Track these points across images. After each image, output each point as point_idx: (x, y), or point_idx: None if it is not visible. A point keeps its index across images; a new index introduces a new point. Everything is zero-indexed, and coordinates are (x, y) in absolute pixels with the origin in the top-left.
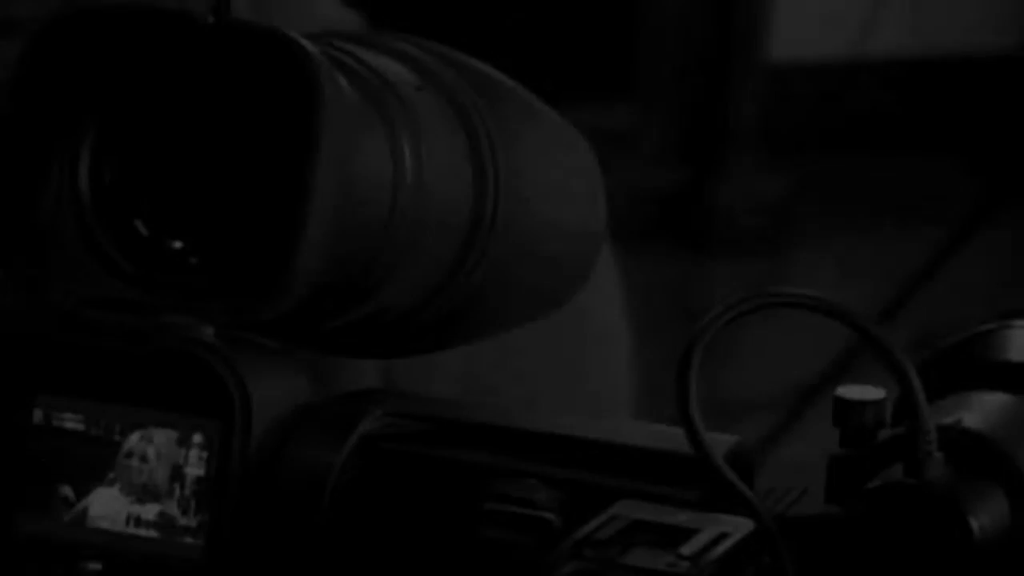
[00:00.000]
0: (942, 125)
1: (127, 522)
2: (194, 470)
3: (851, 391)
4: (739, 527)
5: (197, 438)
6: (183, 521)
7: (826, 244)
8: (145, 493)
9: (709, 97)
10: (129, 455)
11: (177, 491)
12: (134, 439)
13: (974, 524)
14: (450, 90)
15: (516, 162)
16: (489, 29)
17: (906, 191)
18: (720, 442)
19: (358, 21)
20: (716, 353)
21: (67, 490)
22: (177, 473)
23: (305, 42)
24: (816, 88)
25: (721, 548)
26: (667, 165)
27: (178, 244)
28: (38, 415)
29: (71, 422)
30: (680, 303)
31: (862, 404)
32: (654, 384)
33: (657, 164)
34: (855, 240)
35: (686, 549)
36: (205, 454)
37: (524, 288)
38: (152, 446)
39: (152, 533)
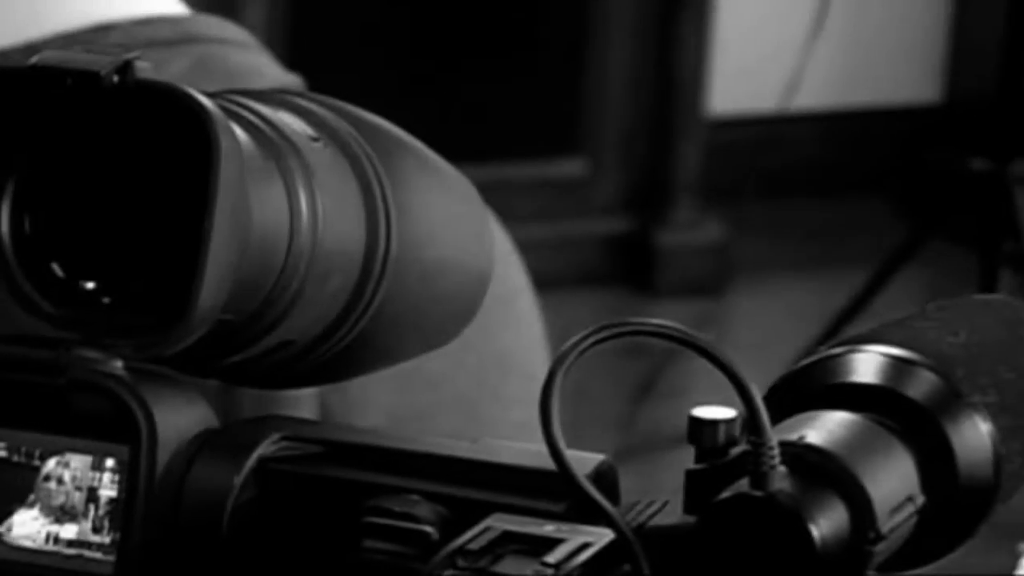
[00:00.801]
0: (868, 170)
1: (46, 540)
2: (107, 492)
3: (705, 411)
4: (601, 537)
5: (109, 462)
6: (97, 539)
7: (764, 284)
8: (63, 514)
9: (653, 150)
10: (48, 479)
11: (92, 511)
12: (52, 464)
13: (815, 532)
14: (344, 142)
15: (406, 207)
16: (452, 93)
17: (838, 233)
18: (586, 460)
19: (300, 82)
20: (674, 388)
21: None
22: (92, 495)
23: (203, 98)
24: (750, 139)
25: (583, 556)
26: (616, 213)
27: (91, 285)
28: None
29: None
30: (629, 341)
31: (714, 423)
32: (606, 413)
33: (607, 213)
34: (791, 280)
35: (551, 557)
36: (117, 477)
37: (416, 323)
38: (68, 470)
39: (69, 551)
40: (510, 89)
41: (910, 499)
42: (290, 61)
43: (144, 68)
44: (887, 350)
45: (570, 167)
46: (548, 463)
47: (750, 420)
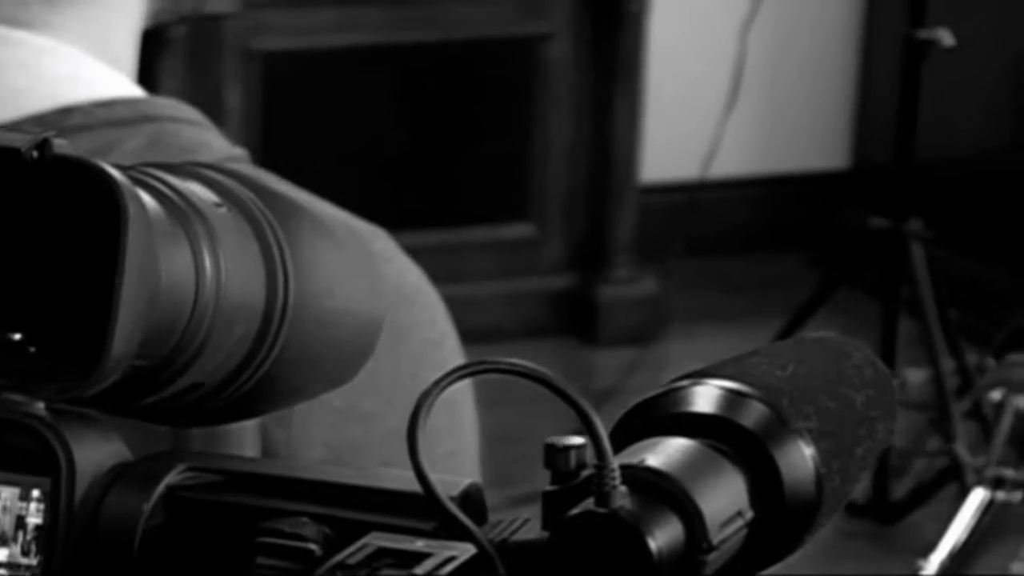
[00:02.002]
0: (784, 230)
1: None
2: (34, 519)
3: (559, 440)
4: (465, 551)
5: (35, 493)
6: (25, 561)
7: (693, 333)
8: None
9: (592, 215)
10: None
11: (20, 537)
12: None
13: (652, 544)
14: (246, 207)
15: (302, 264)
16: (416, 167)
17: (758, 286)
18: (453, 484)
19: (246, 155)
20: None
21: None
22: (20, 522)
23: (112, 170)
24: (677, 204)
25: (448, 568)
26: (560, 272)
27: (18, 337)
28: None
29: None
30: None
31: (566, 449)
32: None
33: (552, 271)
34: (717, 328)
35: (420, 569)
36: (42, 506)
37: (315, 365)
38: (0, 500)
39: (2, 572)
40: (465, 164)
41: (740, 514)
42: (265, 139)
43: (61, 145)
44: (722, 383)
45: (519, 231)
46: (441, 492)
47: (594, 447)
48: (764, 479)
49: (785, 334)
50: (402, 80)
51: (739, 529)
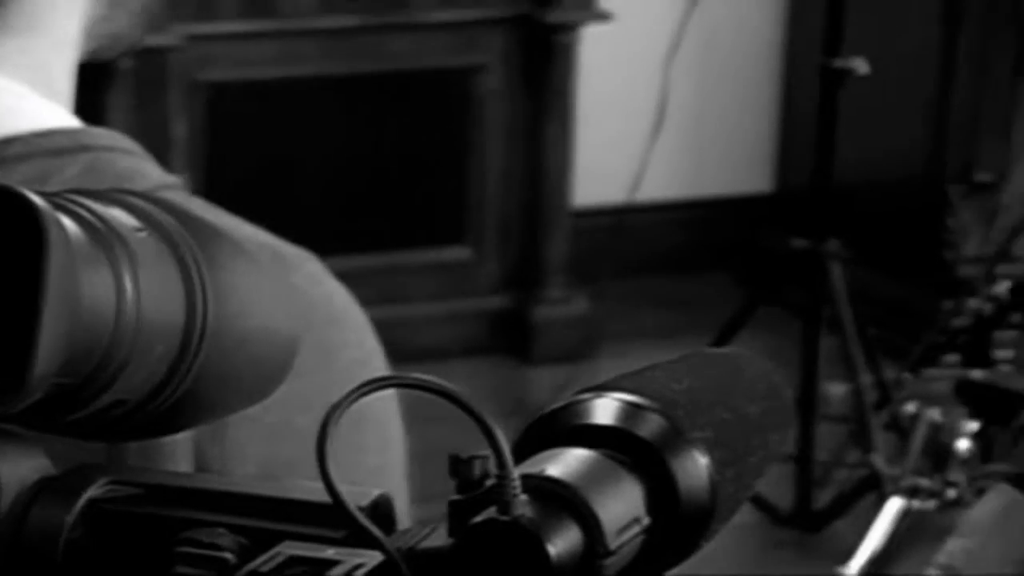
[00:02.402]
0: (710, 251)
1: None
2: None
3: (463, 451)
4: (374, 559)
5: None
6: None
7: (624, 351)
8: None
9: (527, 238)
10: None
11: None
12: None
13: (551, 550)
14: (166, 232)
15: (220, 286)
16: (359, 193)
17: (686, 304)
18: (363, 495)
19: (180, 183)
20: None
21: None
22: None
23: (35, 197)
24: (606, 227)
25: (357, 574)
26: (497, 293)
27: None
28: None
29: None
30: (510, 402)
31: (470, 459)
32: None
33: (489, 293)
34: (648, 346)
35: None
36: None
37: (235, 382)
38: None
39: None
40: (404, 190)
41: (637, 520)
42: (211, 166)
43: None
44: (621, 396)
45: (457, 254)
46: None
47: (496, 458)
48: (661, 487)
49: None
50: (342, 110)
51: (636, 535)
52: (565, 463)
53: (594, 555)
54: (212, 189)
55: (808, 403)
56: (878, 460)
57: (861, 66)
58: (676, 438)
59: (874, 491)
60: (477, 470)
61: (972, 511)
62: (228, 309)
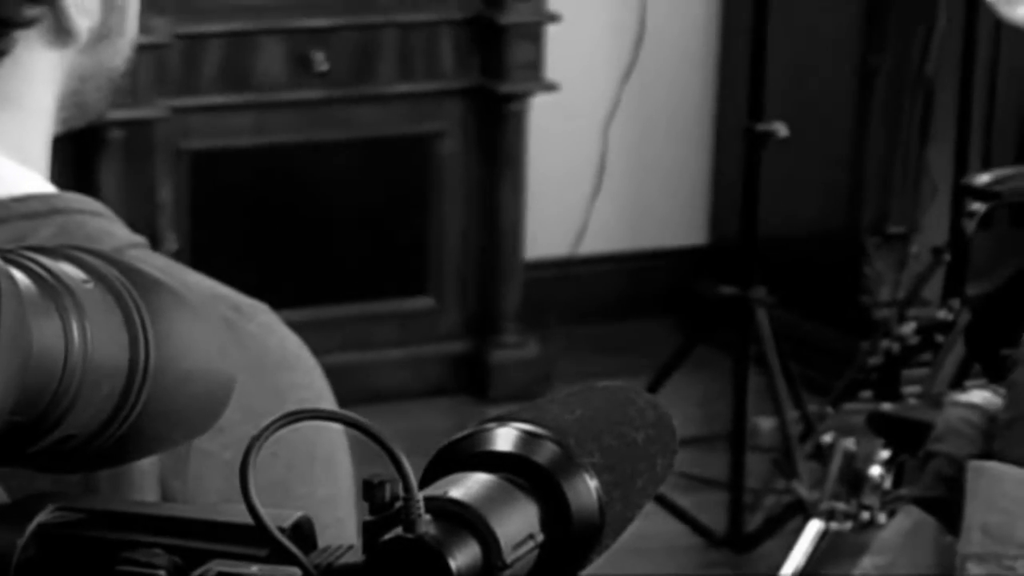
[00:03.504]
0: (650, 298)
1: None
2: None
3: (374, 476)
4: (294, 575)
5: None
6: None
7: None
8: None
9: (484, 288)
10: None
11: None
12: None
13: (453, 564)
14: (111, 283)
15: (161, 331)
16: (328, 250)
17: (628, 347)
18: (285, 517)
19: (145, 243)
20: None
21: None
22: None
23: None
24: (554, 277)
25: None
26: (457, 339)
27: None
28: None
29: None
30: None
31: (381, 483)
32: None
33: (449, 338)
34: None
35: None
36: None
37: (176, 417)
38: None
39: None
40: (371, 246)
41: (531, 537)
42: (195, 227)
43: None
44: (520, 425)
45: (419, 303)
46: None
47: (402, 481)
48: (554, 507)
49: (652, 388)
50: (313, 174)
51: (531, 550)
52: (467, 486)
53: (492, 568)
54: (196, 247)
55: (738, 435)
56: (801, 487)
57: (781, 129)
58: (568, 463)
59: (800, 515)
60: (387, 493)
61: (884, 531)
62: (168, 352)
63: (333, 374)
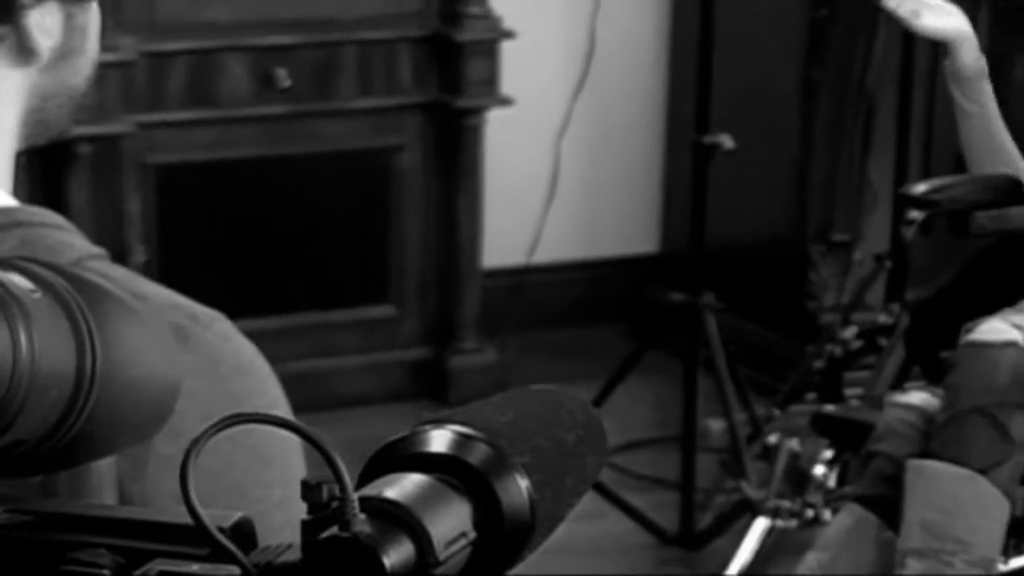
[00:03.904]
0: (603, 305)
1: None
2: None
3: (313, 477)
4: (234, 573)
5: None
6: None
7: None
8: None
9: (443, 297)
10: None
11: None
12: None
13: (386, 561)
14: (58, 292)
15: (107, 339)
16: (295, 261)
17: (583, 352)
18: (225, 517)
19: (104, 254)
20: None
21: None
22: None
23: None
24: (510, 285)
25: None
26: (417, 345)
27: None
28: None
29: None
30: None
31: (319, 485)
32: None
33: (410, 345)
34: None
35: None
36: None
37: (123, 422)
38: None
39: None
40: (334, 256)
41: (464, 534)
42: (162, 238)
43: None
44: (454, 427)
45: (381, 311)
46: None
47: (337, 482)
48: (487, 506)
49: (605, 391)
50: (276, 187)
51: (463, 547)
52: (401, 486)
53: (425, 565)
54: (164, 258)
55: (689, 437)
56: (748, 486)
57: (727, 141)
58: (500, 463)
59: (748, 513)
60: (324, 494)
61: (827, 528)
62: (115, 358)
63: (298, 380)
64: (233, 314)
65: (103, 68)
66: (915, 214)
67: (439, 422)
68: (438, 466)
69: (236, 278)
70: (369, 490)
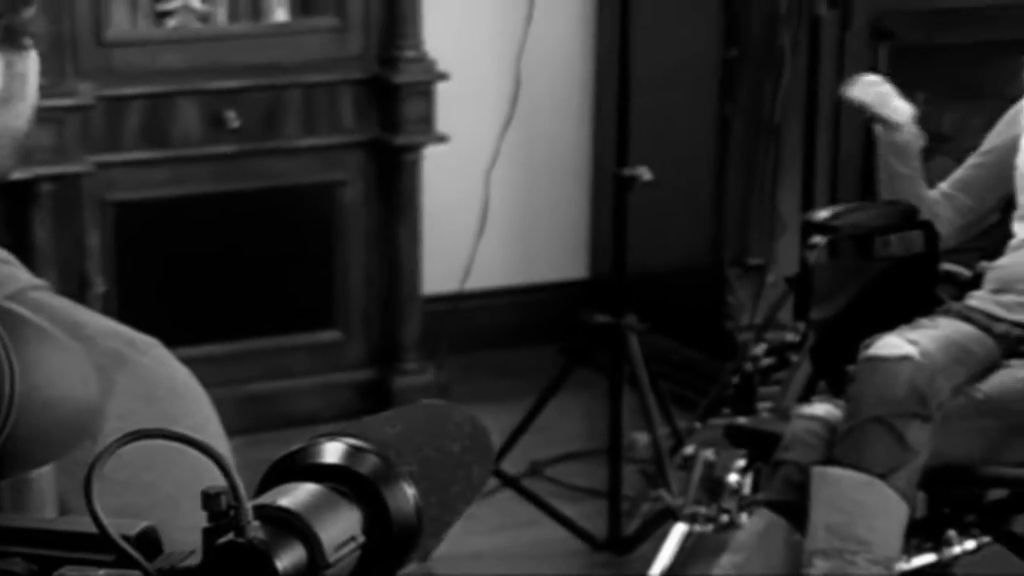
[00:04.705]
0: (536, 327)
1: None
2: None
3: (212, 488)
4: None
5: None
6: None
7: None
8: None
9: (386, 322)
10: None
11: None
12: None
13: (279, 565)
14: None
15: (27, 363)
16: (246, 289)
17: (518, 372)
18: (131, 526)
19: (47, 285)
20: None
21: None
22: None
23: None
24: (445, 311)
25: None
26: (363, 367)
27: None
28: None
29: None
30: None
31: (217, 494)
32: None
33: (356, 367)
34: (488, 405)
35: None
36: None
37: (43, 439)
38: None
39: None
40: (284, 285)
41: (353, 539)
42: (120, 270)
43: None
44: (346, 440)
45: (329, 336)
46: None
47: (232, 492)
48: (376, 512)
49: (537, 407)
50: (228, 222)
51: (353, 550)
52: (294, 495)
53: (316, 568)
54: (123, 289)
55: (615, 449)
56: (668, 494)
57: (645, 173)
58: (388, 472)
59: (671, 519)
60: (223, 503)
61: (740, 532)
62: (33, 381)
63: (253, 401)
64: (189, 340)
65: (63, 112)
66: (817, 239)
67: (333, 435)
68: (331, 476)
69: (191, 307)
70: (264, 499)
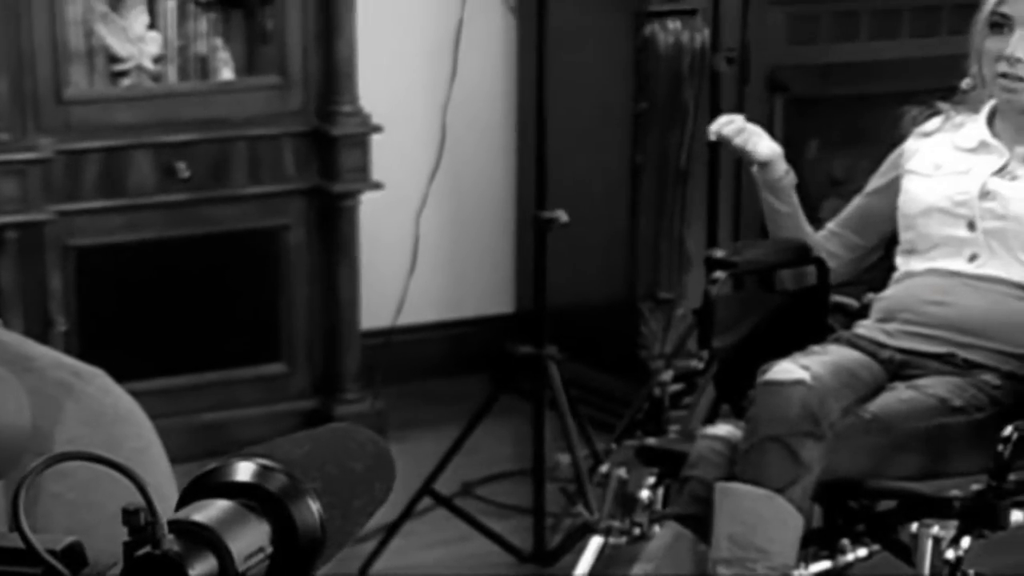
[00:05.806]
0: (467, 359)
1: None
2: None
3: (131, 505)
4: None
5: None
6: None
7: (408, 440)
8: None
9: (328, 355)
10: None
11: None
12: None
13: (191, 574)
14: None
15: None
16: (196, 328)
17: (452, 400)
18: (57, 541)
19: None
20: None
21: None
22: None
23: None
24: (380, 344)
25: None
26: (307, 397)
27: None
28: None
29: None
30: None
31: (137, 510)
32: None
33: (301, 397)
34: (427, 434)
35: None
36: None
37: None
38: None
39: None
40: (231, 322)
41: (262, 550)
42: (80, 311)
43: None
44: (257, 460)
45: (274, 368)
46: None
47: (148, 508)
48: (283, 525)
49: (467, 431)
50: (180, 264)
51: (261, 560)
52: (207, 511)
53: None
54: (84, 328)
55: (539, 469)
56: (584, 510)
57: (562, 216)
58: (294, 489)
59: (591, 533)
60: (142, 518)
61: (651, 543)
62: None
63: (204, 430)
64: (145, 374)
65: (26, 165)
66: (719, 274)
67: (245, 455)
68: (243, 492)
69: (147, 343)
70: (180, 514)
